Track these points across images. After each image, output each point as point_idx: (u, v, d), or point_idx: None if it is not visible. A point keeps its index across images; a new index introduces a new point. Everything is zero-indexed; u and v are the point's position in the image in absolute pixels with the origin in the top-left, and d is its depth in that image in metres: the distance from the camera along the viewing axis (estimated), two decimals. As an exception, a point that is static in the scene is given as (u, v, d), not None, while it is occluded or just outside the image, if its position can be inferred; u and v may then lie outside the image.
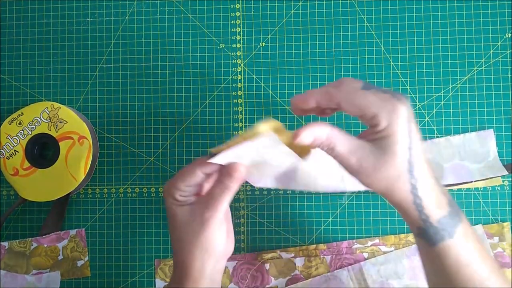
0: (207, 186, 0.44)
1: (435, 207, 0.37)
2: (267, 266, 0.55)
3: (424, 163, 0.36)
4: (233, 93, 0.57)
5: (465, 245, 0.37)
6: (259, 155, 0.41)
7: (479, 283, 0.37)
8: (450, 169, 0.53)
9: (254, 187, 0.55)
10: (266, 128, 0.39)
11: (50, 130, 0.56)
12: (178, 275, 0.44)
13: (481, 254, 0.38)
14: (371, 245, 0.54)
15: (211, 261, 0.43)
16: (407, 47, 0.56)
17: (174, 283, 0.44)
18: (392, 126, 0.35)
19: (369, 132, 0.37)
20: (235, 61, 0.57)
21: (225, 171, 0.42)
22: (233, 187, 0.42)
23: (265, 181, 0.47)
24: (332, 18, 0.56)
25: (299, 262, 0.55)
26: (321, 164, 0.50)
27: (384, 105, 0.35)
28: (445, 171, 0.53)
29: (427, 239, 0.38)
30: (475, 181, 0.53)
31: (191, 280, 0.43)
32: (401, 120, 0.35)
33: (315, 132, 0.37)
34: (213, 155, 0.41)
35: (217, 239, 0.43)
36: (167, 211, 0.44)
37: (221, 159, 0.41)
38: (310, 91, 0.38)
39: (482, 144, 0.53)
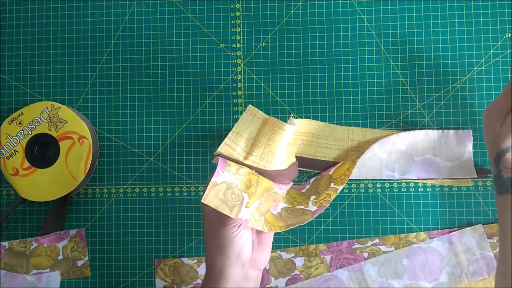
0: None
1: None
2: (267, 266, 0.55)
3: None
4: (233, 93, 0.57)
5: None
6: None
7: None
8: (420, 162, 0.53)
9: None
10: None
11: (50, 130, 0.56)
12: (205, 274, 0.48)
13: None
14: (371, 245, 0.54)
15: (232, 264, 0.45)
16: (407, 47, 0.56)
17: (203, 283, 0.48)
18: None
19: None
20: (235, 61, 0.57)
21: None
22: None
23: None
24: (332, 18, 0.56)
25: (299, 262, 0.55)
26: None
27: None
28: (415, 163, 0.53)
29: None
30: (441, 179, 0.52)
31: (212, 279, 0.46)
32: None
33: None
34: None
35: (236, 242, 0.45)
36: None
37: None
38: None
39: (459, 143, 0.53)
